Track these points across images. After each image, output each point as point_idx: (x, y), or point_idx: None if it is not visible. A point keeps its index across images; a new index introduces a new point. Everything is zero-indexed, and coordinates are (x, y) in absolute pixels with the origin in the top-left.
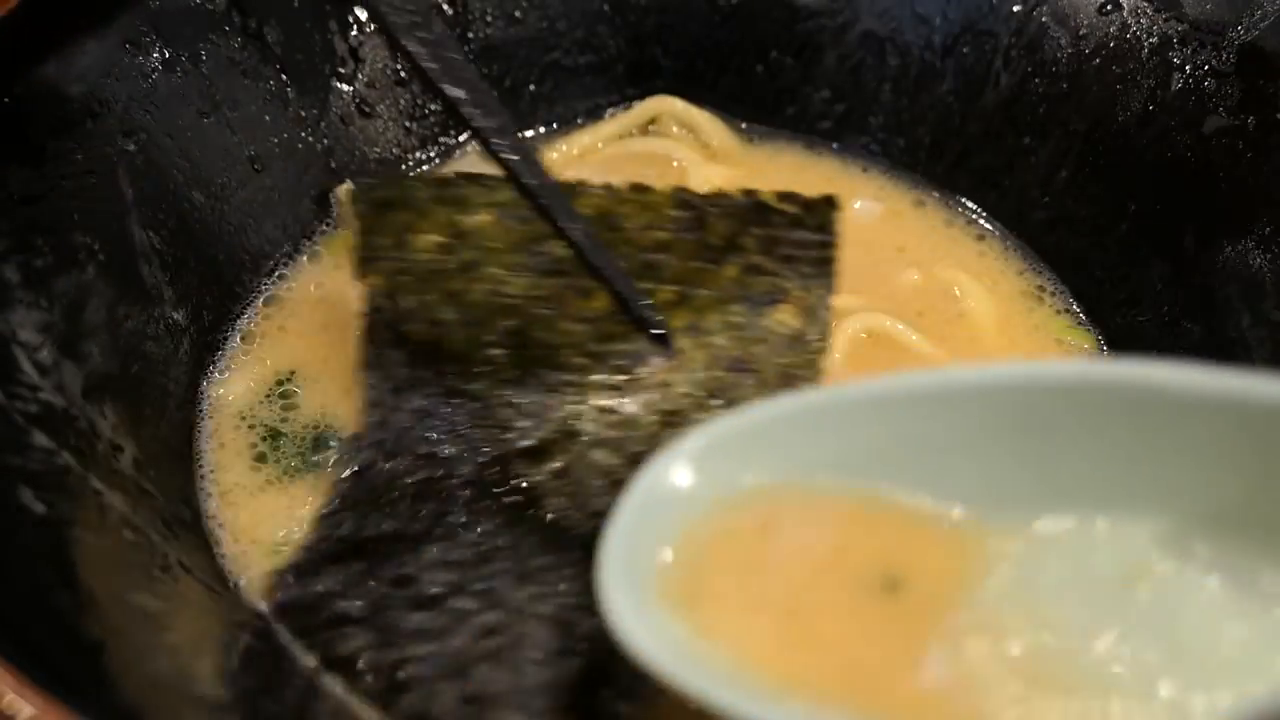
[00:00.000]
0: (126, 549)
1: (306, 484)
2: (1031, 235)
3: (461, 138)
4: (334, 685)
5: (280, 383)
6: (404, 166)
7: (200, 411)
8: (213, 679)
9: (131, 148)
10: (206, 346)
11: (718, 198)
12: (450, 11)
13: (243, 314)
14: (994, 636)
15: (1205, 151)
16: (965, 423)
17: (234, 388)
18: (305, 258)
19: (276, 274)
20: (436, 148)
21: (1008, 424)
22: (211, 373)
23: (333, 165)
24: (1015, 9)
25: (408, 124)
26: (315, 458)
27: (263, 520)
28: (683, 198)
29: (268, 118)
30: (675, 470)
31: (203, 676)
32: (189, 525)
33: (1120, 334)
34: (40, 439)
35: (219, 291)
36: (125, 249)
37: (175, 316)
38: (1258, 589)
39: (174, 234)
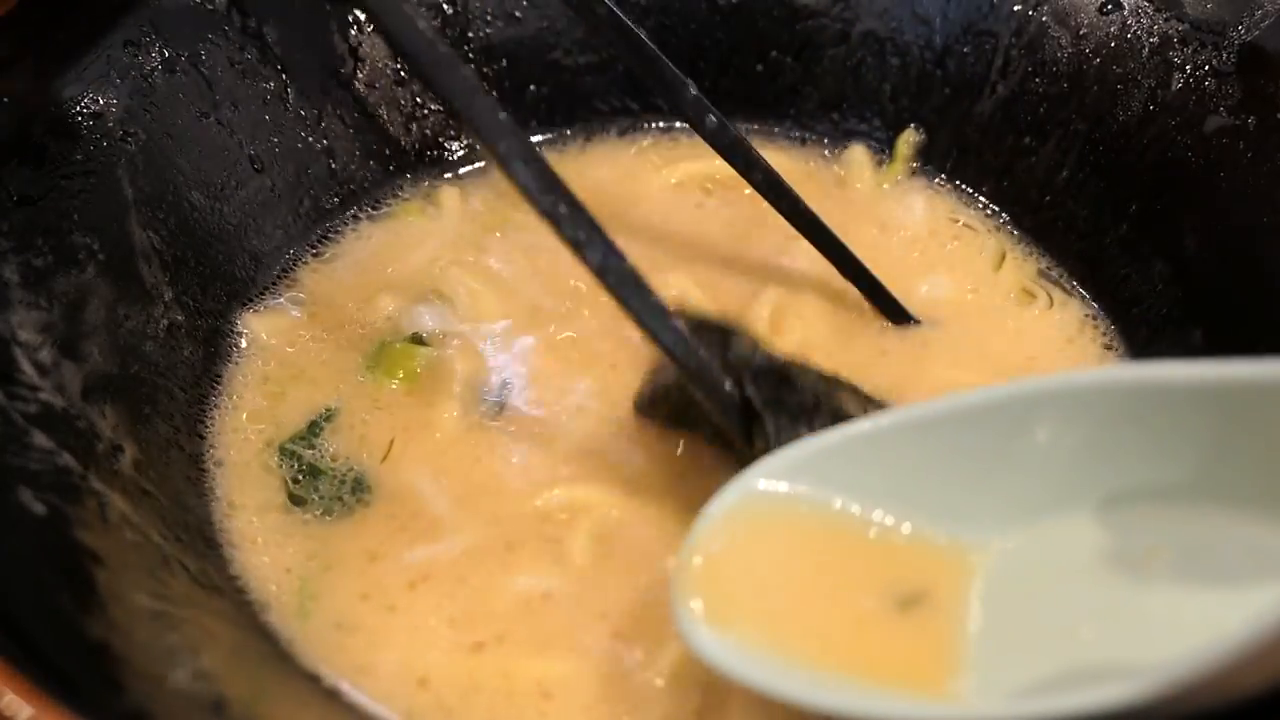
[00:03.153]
0: (127, 549)
1: (307, 482)
2: (1033, 236)
3: (459, 137)
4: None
5: (281, 383)
6: (403, 166)
7: (201, 411)
8: (214, 680)
9: (131, 148)
10: (207, 347)
11: None
12: (450, 11)
13: (244, 314)
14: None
15: (1205, 151)
16: (935, 448)
17: (234, 388)
18: (306, 257)
19: (278, 273)
20: (436, 148)
21: (970, 449)
22: (212, 373)
23: (333, 165)
24: (1015, 9)
25: (408, 124)
26: (313, 452)
27: (264, 519)
28: None
29: (268, 118)
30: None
31: (204, 677)
32: (190, 525)
33: (1120, 334)
34: (40, 439)
35: (219, 292)
36: (125, 249)
37: (175, 316)
38: (1213, 555)
39: (174, 234)
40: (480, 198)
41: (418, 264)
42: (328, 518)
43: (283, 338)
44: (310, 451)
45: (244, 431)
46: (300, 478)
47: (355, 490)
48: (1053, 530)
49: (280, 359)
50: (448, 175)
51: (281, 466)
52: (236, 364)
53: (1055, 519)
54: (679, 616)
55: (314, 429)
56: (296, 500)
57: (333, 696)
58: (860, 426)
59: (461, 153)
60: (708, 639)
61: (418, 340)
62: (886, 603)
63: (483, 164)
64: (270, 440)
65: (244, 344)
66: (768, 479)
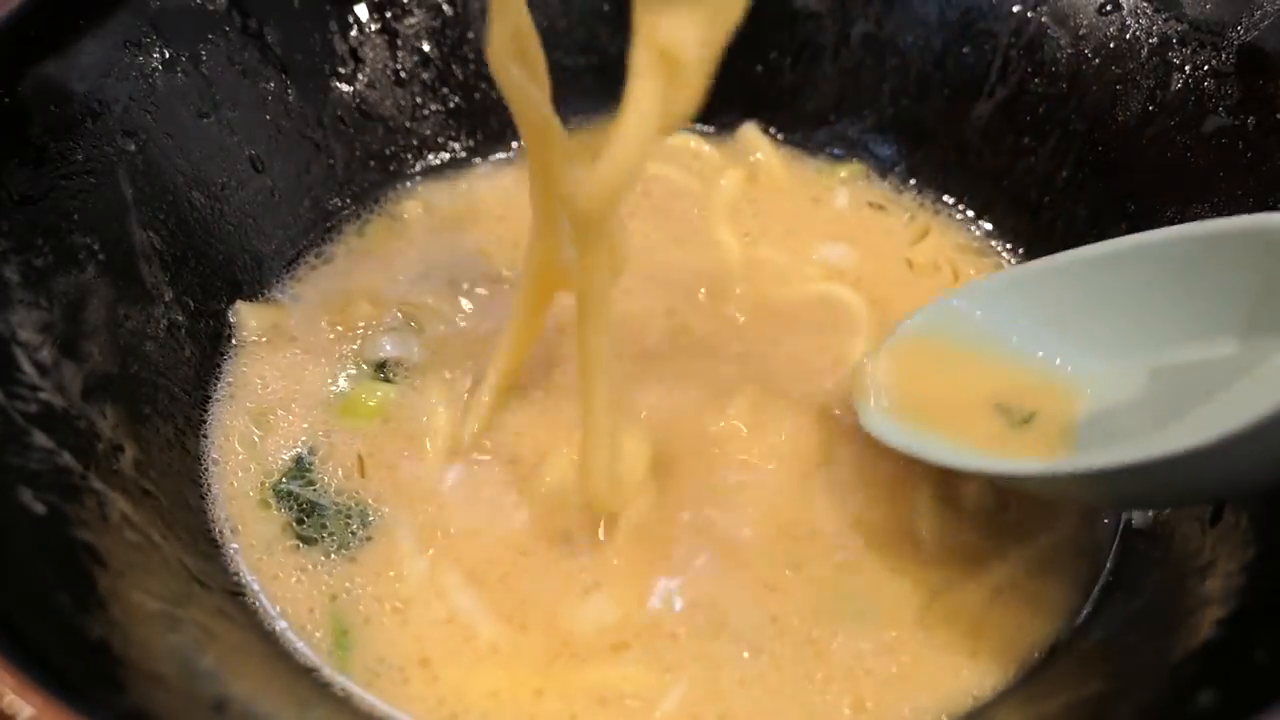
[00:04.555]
0: (127, 549)
1: (306, 482)
2: (1031, 235)
3: (459, 137)
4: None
5: (279, 380)
6: (403, 166)
7: (203, 411)
8: (214, 680)
9: (131, 148)
10: (207, 346)
11: None
12: (450, 11)
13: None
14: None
15: (1205, 151)
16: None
17: (236, 388)
18: (306, 257)
19: (277, 272)
20: (436, 149)
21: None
22: (214, 373)
23: (333, 165)
24: (1015, 9)
25: (407, 124)
26: (313, 459)
27: (264, 519)
28: None
29: (268, 118)
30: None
31: (204, 677)
32: (190, 525)
33: None
34: (40, 439)
35: (220, 292)
36: (125, 249)
37: (175, 316)
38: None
39: (174, 234)
40: (480, 197)
41: (410, 275)
42: (344, 550)
43: (271, 333)
44: (308, 489)
45: (233, 429)
46: (304, 518)
47: (361, 523)
48: (1148, 359)
49: (266, 350)
50: (448, 175)
51: (269, 459)
52: (227, 361)
53: (1153, 350)
54: (857, 396)
55: (276, 391)
56: (306, 540)
57: (334, 695)
58: (1020, 269)
59: (463, 154)
60: (876, 416)
61: (385, 378)
62: (1011, 411)
63: (482, 164)
64: (260, 437)
65: (234, 341)
66: (953, 302)
